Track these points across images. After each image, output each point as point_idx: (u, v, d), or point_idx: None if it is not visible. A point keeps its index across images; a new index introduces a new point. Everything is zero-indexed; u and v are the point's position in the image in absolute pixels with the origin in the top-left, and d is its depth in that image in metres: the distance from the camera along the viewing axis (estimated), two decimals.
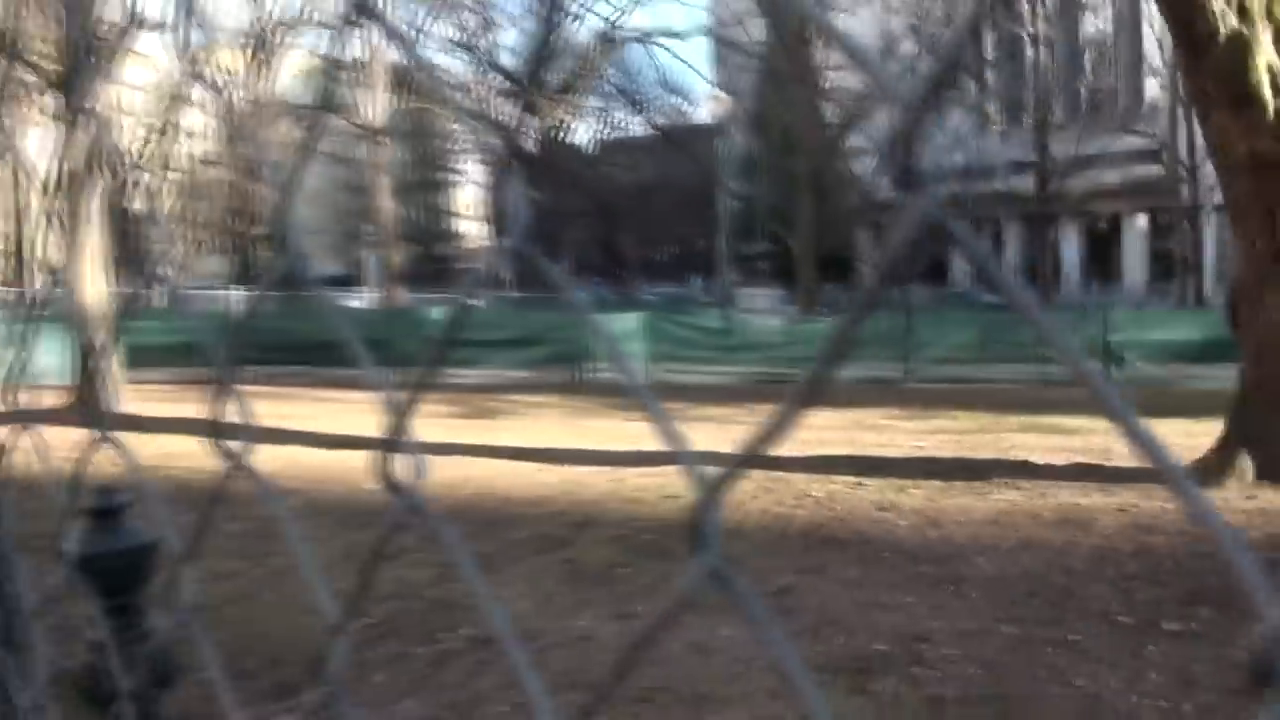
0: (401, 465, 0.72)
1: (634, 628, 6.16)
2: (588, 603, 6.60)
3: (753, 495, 9.72)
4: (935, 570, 7.35)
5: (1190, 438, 10.88)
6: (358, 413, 15.90)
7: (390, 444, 0.67)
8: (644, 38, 54.61)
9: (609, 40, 51.72)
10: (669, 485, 10.04)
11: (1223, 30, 9.21)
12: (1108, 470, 10.63)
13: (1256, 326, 9.85)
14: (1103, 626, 6.16)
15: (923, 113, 0.41)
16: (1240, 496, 9.12)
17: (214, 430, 0.82)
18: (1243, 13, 9.27)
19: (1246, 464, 9.66)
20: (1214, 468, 9.63)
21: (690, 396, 18.69)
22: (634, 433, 13.63)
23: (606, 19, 52.37)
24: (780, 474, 10.64)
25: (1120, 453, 11.82)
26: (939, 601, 6.66)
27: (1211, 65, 9.43)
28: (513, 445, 12.85)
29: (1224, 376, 13.21)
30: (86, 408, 15.47)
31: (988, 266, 0.43)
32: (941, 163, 47.11)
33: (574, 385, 21.31)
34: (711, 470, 0.51)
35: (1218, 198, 11.73)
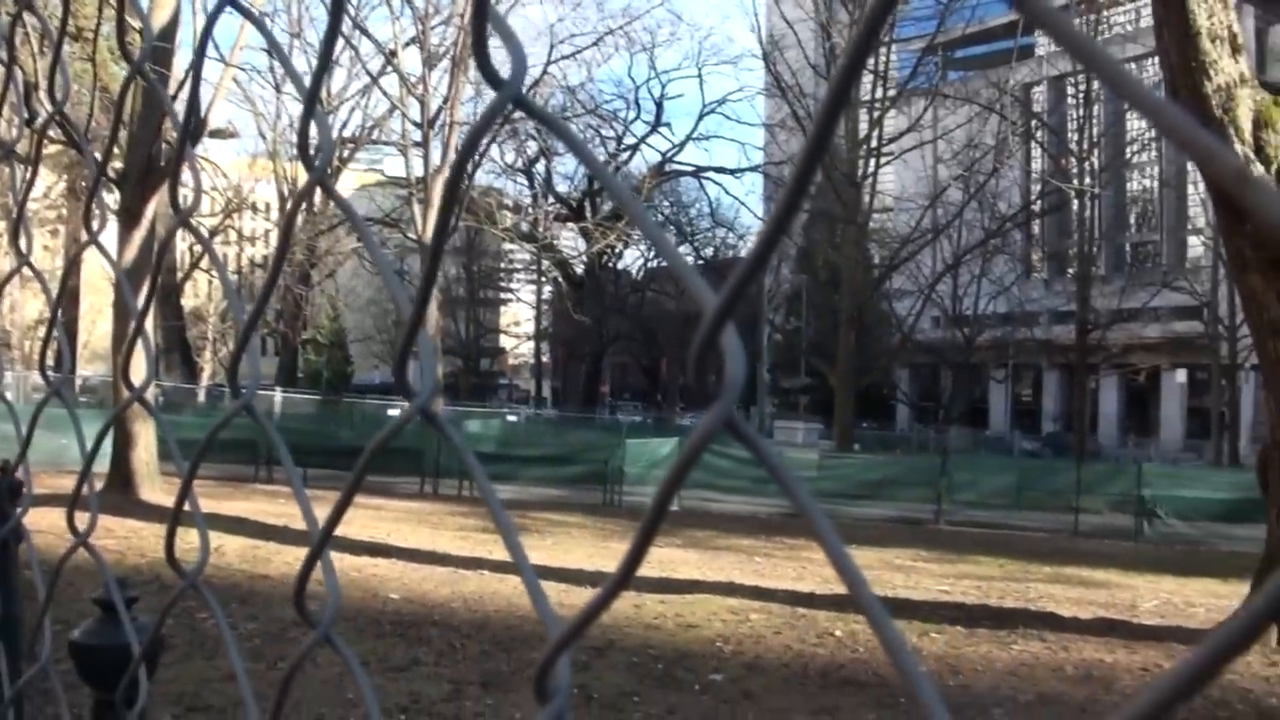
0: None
1: None
2: None
3: (775, 630, 9.68)
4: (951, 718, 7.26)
5: (1217, 598, 10.78)
6: (391, 520, 15.99)
7: (308, 567, 0.75)
8: (697, 172, 55.71)
9: (663, 172, 52.71)
10: (687, 614, 10.02)
11: None
12: (1133, 626, 10.53)
13: None
14: None
15: (725, 316, 0.48)
16: (1262, 662, 8.98)
17: (168, 543, 0.91)
18: None
19: (1271, 630, 9.54)
20: None
21: (720, 525, 18.69)
22: (658, 559, 13.61)
23: (662, 153, 53.52)
24: (804, 610, 10.60)
25: (1146, 609, 11.71)
26: None
27: (1248, 229, 9.54)
28: (538, 564, 12.80)
29: (1255, 538, 13.09)
30: (116, 496, 15.61)
31: (767, 457, 0.51)
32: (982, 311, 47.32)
33: (604, 506, 21.31)
34: (565, 620, 0.59)
35: (1256, 357, 11.76)
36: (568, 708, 0.59)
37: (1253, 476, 14.55)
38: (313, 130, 0.80)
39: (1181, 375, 50.39)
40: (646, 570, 12.28)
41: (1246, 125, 9.37)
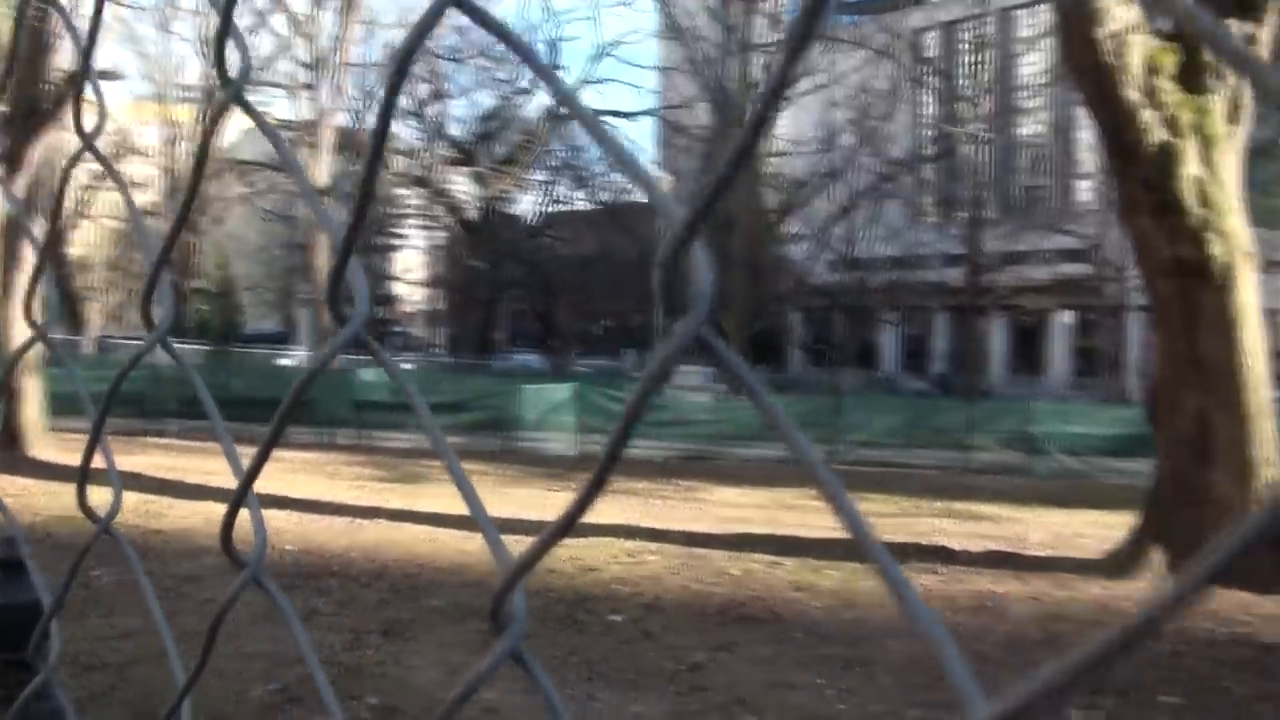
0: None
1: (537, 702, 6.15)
2: (496, 674, 6.55)
3: (672, 570, 9.76)
4: (847, 651, 7.40)
5: (1105, 529, 11.06)
6: (288, 471, 15.79)
7: (233, 511, 0.73)
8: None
9: (557, 116, 52.28)
10: (586, 557, 10.05)
11: (1151, 140, 9.53)
12: (1023, 559, 10.79)
13: (1172, 424, 10.08)
14: None
15: (691, 234, 0.47)
16: (1150, 590, 9.27)
17: (80, 489, 0.88)
18: (1172, 125, 9.60)
19: (1158, 557, 9.85)
20: (1126, 560, 9.82)
21: (617, 469, 18.70)
22: (558, 502, 13.60)
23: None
24: (701, 551, 10.70)
25: (1036, 541, 12.01)
26: (849, 684, 6.70)
27: (1139, 172, 9.74)
28: (436, 511, 12.75)
29: (1141, 471, 13.46)
30: (4, 454, 15.18)
31: (741, 374, 0.51)
32: (875, 253, 47.89)
33: (503, 453, 21.26)
34: (516, 555, 0.59)
35: (1142, 298, 12.08)
36: (522, 637, 0.59)
37: (1138, 412, 14.99)
38: (230, 48, 0.76)
39: (1068, 316, 51.46)
40: (545, 514, 12.29)
41: (1138, 71, 9.55)
